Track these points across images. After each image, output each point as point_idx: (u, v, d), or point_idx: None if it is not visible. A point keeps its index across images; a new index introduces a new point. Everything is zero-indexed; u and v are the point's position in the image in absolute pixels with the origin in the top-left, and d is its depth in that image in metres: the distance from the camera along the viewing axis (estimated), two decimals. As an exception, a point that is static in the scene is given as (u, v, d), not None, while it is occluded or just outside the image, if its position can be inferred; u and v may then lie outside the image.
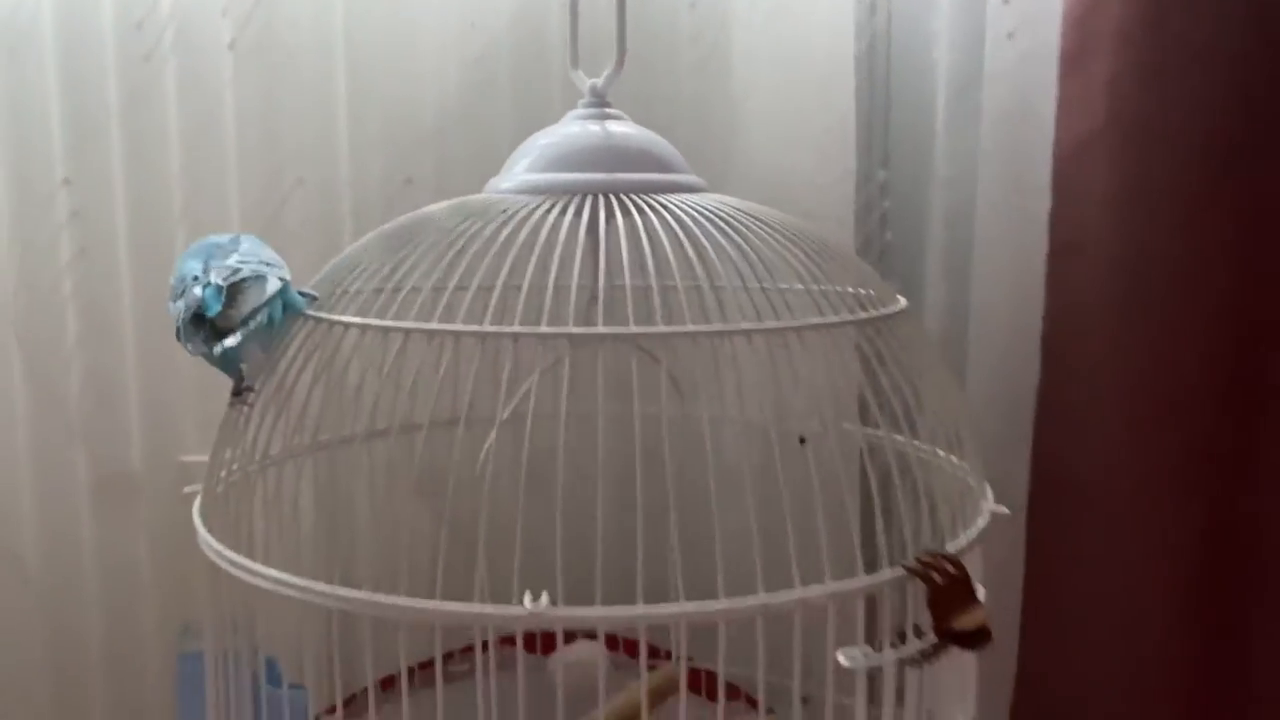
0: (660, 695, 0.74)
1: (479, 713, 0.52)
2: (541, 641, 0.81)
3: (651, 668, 0.69)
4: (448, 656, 0.72)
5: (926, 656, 0.47)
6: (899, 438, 0.58)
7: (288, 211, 0.84)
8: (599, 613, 0.46)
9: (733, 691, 0.79)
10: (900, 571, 0.48)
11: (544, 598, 0.45)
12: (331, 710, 0.74)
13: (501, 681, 0.67)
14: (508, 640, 0.77)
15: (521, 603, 0.45)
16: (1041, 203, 0.85)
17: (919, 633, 0.48)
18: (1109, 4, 0.81)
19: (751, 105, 0.85)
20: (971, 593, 0.48)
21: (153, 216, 0.81)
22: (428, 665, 0.69)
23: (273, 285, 0.55)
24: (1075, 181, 0.84)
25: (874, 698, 0.50)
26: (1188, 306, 0.82)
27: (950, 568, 0.48)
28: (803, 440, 0.59)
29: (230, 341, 0.55)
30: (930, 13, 0.88)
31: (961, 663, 0.50)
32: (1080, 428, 0.85)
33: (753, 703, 0.75)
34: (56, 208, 0.80)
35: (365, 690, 0.74)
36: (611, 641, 0.83)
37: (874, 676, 0.49)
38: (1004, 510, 0.57)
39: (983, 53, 0.87)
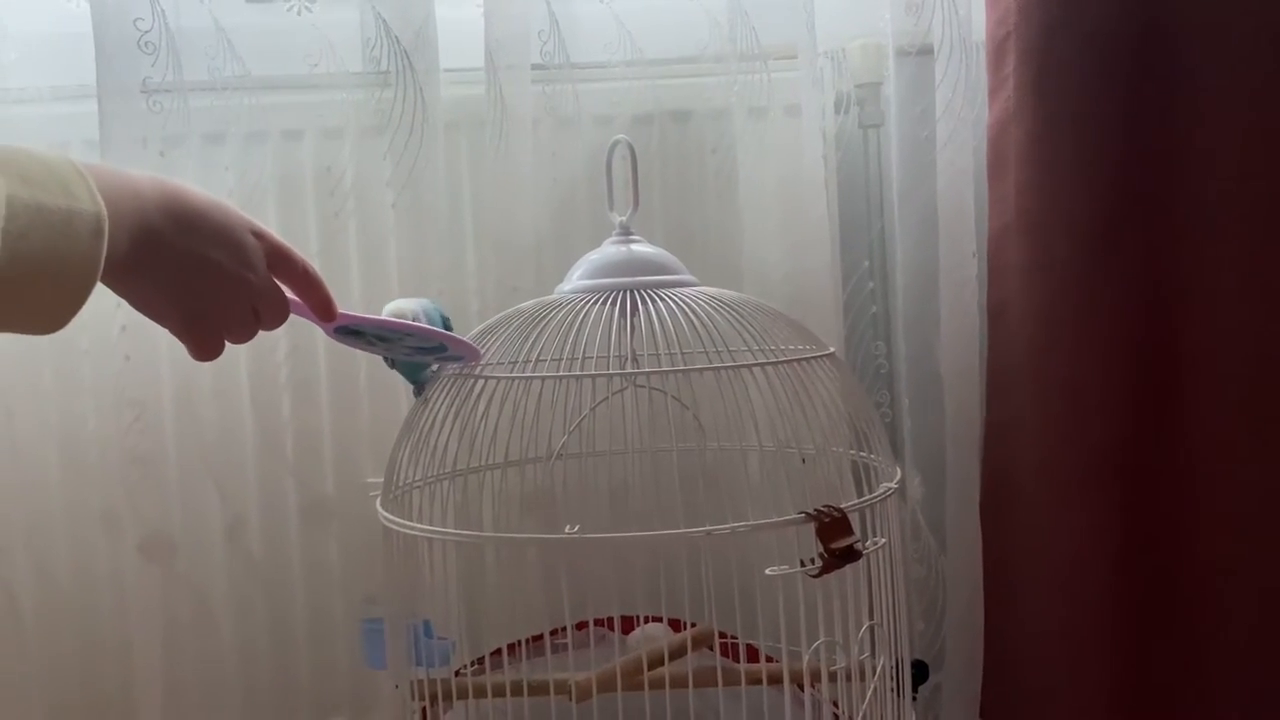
0: (697, 643, 0.99)
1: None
2: (623, 624, 1.05)
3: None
4: (556, 632, 0.99)
5: (821, 569, 0.74)
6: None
7: (434, 313, 1.16)
8: (611, 535, 0.75)
9: (752, 652, 1.02)
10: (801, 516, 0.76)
11: (578, 527, 0.74)
12: (475, 662, 1.03)
13: (598, 651, 0.95)
14: (602, 622, 1.05)
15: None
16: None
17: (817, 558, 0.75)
18: (1011, 131, 1.08)
19: (751, 218, 1.14)
20: (847, 528, 0.75)
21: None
22: (539, 638, 0.97)
23: None
24: (999, 259, 1.11)
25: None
26: (1085, 346, 1.05)
27: (835, 513, 0.75)
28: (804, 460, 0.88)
29: None
30: (887, 143, 1.17)
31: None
32: (1014, 444, 1.09)
33: (769, 659, 0.96)
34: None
35: (498, 650, 1.03)
36: (674, 623, 1.05)
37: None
38: (893, 485, 0.84)
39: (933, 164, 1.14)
